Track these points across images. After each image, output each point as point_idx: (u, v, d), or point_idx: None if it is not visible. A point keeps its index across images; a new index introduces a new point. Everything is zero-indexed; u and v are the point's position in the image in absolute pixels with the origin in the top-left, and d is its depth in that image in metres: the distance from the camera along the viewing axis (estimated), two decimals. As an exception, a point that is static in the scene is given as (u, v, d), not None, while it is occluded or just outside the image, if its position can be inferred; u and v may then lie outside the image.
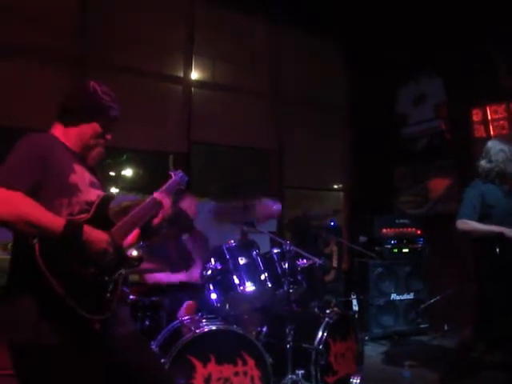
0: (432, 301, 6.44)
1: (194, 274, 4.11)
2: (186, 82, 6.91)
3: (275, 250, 3.86)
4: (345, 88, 8.31)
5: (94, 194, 2.24)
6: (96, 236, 2.06)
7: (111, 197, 2.29)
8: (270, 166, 7.60)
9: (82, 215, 2.14)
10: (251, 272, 3.57)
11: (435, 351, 5.64)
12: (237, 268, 3.54)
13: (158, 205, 2.45)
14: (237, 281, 3.50)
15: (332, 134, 8.11)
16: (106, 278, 2.11)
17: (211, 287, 3.55)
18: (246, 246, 3.70)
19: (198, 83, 7.04)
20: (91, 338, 2.07)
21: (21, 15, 5.63)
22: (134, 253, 2.34)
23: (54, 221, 1.98)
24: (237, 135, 6.97)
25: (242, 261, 3.57)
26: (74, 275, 1.99)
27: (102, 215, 2.20)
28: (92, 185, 2.29)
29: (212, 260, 3.58)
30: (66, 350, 2.01)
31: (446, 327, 6.27)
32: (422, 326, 6.55)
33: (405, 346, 6.05)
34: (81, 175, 2.24)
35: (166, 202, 2.48)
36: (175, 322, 3.49)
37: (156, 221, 2.45)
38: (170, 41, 6.83)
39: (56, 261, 1.95)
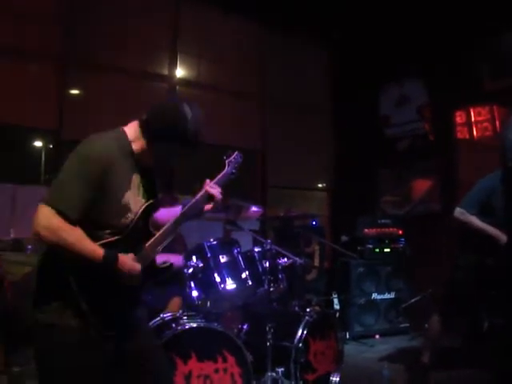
0: (412, 300, 6.50)
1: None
2: (170, 80, 6.91)
3: (256, 249, 3.87)
4: (328, 89, 8.37)
5: (138, 205, 2.25)
6: (128, 267, 2.12)
7: (153, 205, 2.30)
8: (253, 165, 7.63)
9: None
10: (232, 270, 3.58)
11: (415, 351, 5.69)
12: (218, 266, 3.55)
13: (209, 198, 2.39)
14: (218, 279, 3.51)
15: (315, 134, 8.17)
16: (130, 292, 2.21)
17: (192, 285, 3.56)
18: (227, 244, 3.71)
19: (183, 81, 7.04)
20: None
21: (6, 14, 5.62)
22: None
23: (93, 253, 2.05)
24: (221, 134, 6.99)
25: (223, 259, 3.58)
26: (100, 293, 2.11)
27: (141, 227, 2.24)
28: (139, 192, 2.28)
29: (193, 257, 3.59)
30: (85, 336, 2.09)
31: (426, 327, 6.31)
32: (403, 325, 6.61)
33: (385, 345, 6.10)
34: (134, 187, 2.23)
35: (217, 193, 2.40)
36: (156, 320, 3.49)
37: (206, 209, 2.42)
38: (155, 39, 6.84)
39: (87, 280, 2.07)
